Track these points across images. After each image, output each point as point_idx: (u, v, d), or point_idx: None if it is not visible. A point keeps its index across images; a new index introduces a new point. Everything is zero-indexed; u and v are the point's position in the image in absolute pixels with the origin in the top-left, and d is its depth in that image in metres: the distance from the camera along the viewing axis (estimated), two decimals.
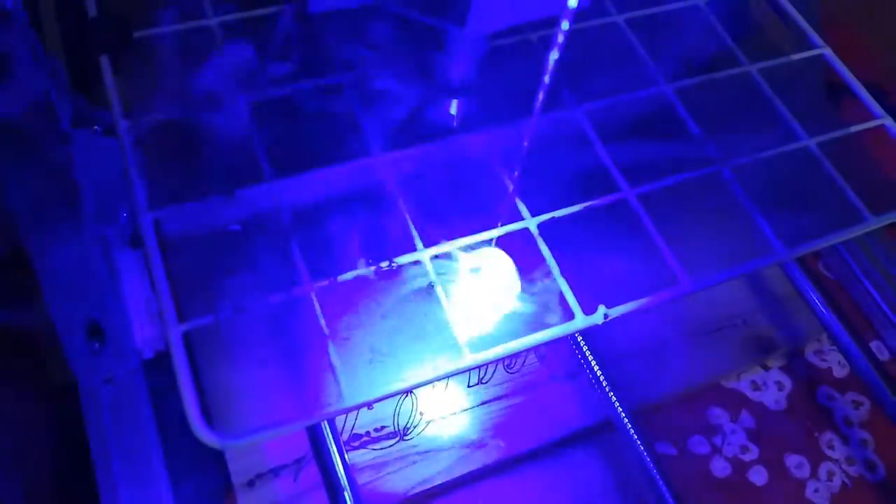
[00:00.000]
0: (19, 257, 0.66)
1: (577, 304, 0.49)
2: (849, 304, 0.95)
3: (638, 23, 0.62)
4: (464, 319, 0.48)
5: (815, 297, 0.85)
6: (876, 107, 0.62)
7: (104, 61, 0.52)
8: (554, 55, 0.42)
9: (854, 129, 0.61)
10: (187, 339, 0.45)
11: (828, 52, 0.64)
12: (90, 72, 0.54)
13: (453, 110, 0.54)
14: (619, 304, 0.50)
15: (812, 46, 0.65)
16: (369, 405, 0.45)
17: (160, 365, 0.79)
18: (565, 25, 0.40)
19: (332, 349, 0.46)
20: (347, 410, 0.45)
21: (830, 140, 0.60)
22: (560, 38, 0.41)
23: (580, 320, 0.49)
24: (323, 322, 0.47)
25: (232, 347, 0.46)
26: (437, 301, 0.49)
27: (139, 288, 0.81)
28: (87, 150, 0.67)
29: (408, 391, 0.47)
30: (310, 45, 0.55)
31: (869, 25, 0.91)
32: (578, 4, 0.48)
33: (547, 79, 0.42)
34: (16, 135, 0.60)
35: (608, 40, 0.61)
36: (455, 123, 0.54)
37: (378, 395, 0.45)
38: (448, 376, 0.47)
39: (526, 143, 0.47)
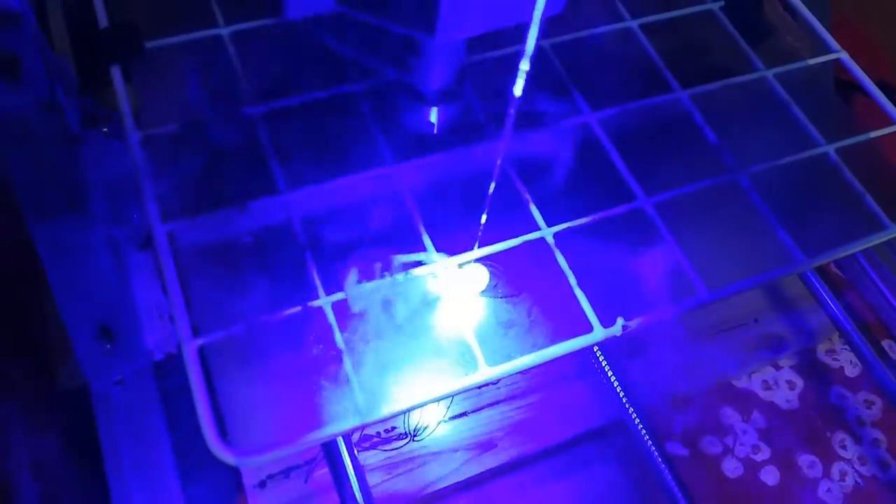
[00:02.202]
0: (30, 259, 0.65)
1: (594, 315, 0.49)
2: (861, 303, 0.94)
3: (652, 28, 0.61)
4: (479, 331, 0.48)
5: (827, 297, 0.85)
6: (894, 111, 0.61)
7: (115, 71, 0.51)
8: (524, 66, 0.42)
9: (873, 134, 0.60)
10: (202, 351, 0.45)
11: (844, 56, 0.64)
12: (99, 74, 0.53)
13: (433, 118, 0.53)
14: (636, 314, 0.49)
15: (828, 50, 0.64)
16: (385, 420, 0.45)
17: (170, 366, 0.79)
18: (533, 34, 0.39)
19: (347, 363, 0.46)
20: (364, 426, 0.45)
21: (849, 146, 0.59)
22: (530, 48, 0.40)
23: (599, 332, 0.48)
24: (338, 335, 0.46)
25: (246, 360, 0.46)
26: (453, 312, 0.48)
27: (150, 290, 0.81)
28: (96, 152, 0.67)
29: (424, 405, 0.46)
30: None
31: (878, 25, 0.90)
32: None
33: (519, 91, 0.42)
34: (25, 136, 0.59)
35: (622, 46, 0.60)
36: (435, 131, 0.54)
37: (395, 409, 0.45)
38: (464, 389, 0.46)
39: (499, 161, 0.47)
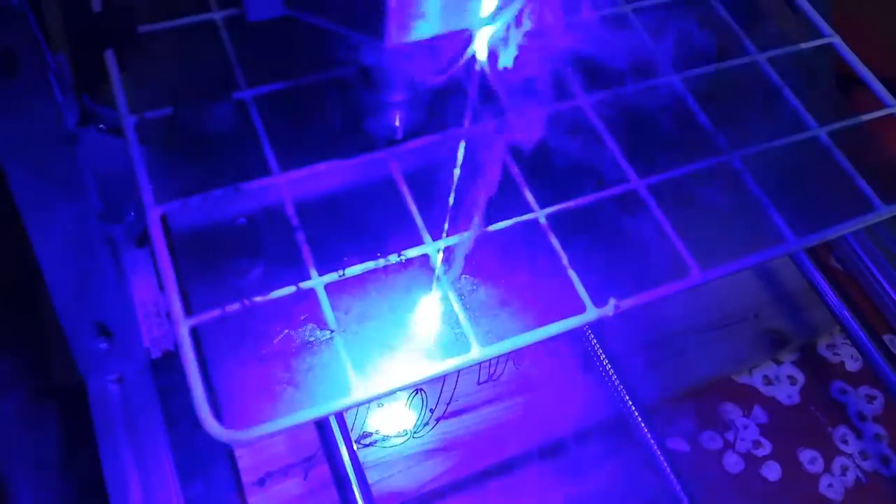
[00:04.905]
0: (27, 257, 0.65)
1: (587, 295, 0.49)
2: (861, 297, 0.94)
3: (646, 12, 0.62)
4: (471, 311, 0.48)
5: (828, 291, 0.85)
6: (887, 95, 0.61)
7: (109, 56, 0.51)
8: (479, 66, 0.43)
9: (865, 117, 0.60)
10: (195, 334, 0.45)
11: (837, 40, 0.64)
12: (95, 70, 0.53)
13: (397, 122, 0.53)
14: (629, 295, 0.49)
15: (821, 35, 0.64)
16: (378, 399, 0.45)
17: (168, 364, 0.79)
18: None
19: (340, 343, 0.46)
20: (356, 405, 0.44)
21: (841, 129, 0.59)
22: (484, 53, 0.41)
23: (591, 312, 0.48)
24: (331, 316, 0.46)
25: (239, 341, 0.46)
26: (446, 294, 0.48)
27: (147, 287, 0.81)
28: (93, 149, 0.67)
29: (417, 385, 0.46)
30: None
31: (879, 16, 0.91)
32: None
33: (475, 90, 0.42)
34: (22, 134, 0.59)
35: (616, 31, 0.61)
36: (400, 136, 0.54)
37: (387, 389, 0.45)
38: (457, 369, 0.46)
39: (462, 145, 0.47)
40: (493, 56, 0.47)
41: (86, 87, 0.64)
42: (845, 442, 0.88)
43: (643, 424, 0.77)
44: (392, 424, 0.81)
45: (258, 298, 0.46)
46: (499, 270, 0.50)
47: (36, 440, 0.76)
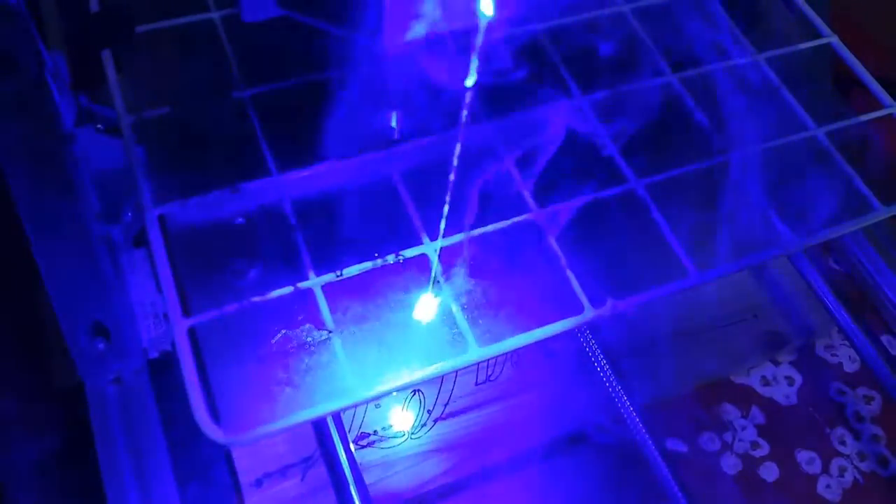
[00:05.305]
0: (25, 257, 0.65)
1: (585, 296, 0.49)
2: (859, 298, 0.94)
3: (644, 13, 0.62)
4: (470, 312, 0.48)
5: (826, 292, 0.85)
6: (885, 95, 0.62)
7: (106, 56, 0.51)
8: (471, 81, 0.42)
9: (863, 118, 0.60)
10: (193, 335, 0.45)
11: (835, 40, 0.64)
12: (93, 69, 0.53)
13: (394, 123, 0.53)
14: (627, 295, 0.49)
15: (820, 35, 0.64)
16: (376, 399, 0.45)
17: (166, 365, 0.79)
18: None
19: (338, 344, 0.46)
20: (354, 405, 0.44)
21: (839, 129, 0.59)
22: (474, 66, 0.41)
23: (589, 312, 0.48)
24: (329, 316, 0.46)
25: (237, 341, 0.46)
26: (444, 295, 0.48)
27: (144, 287, 0.81)
28: (90, 149, 0.67)
29: (415, 385, 0.46)
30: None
31: (878, 16, 0.91)
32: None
33: (468, 96, 0.42)
34: (18, 134, 0.59)
35: (615, 31, 0.61)
36: (397, 136, 0.54)
37: (385, 389, 0.45)
38: (454, 369, 0.46)
39: (457, 149, 0.47)
40: (491, 54, 0.47)
41: (83, 87, 0.63)
42: (843, 443, 0.88)
43: (641, 425, 0.77)
44: (390, 425, 0.81)
45: (256, 299, 0.46)
46: (497, 271, 0.50)
47: (34, 441, 0.76)
